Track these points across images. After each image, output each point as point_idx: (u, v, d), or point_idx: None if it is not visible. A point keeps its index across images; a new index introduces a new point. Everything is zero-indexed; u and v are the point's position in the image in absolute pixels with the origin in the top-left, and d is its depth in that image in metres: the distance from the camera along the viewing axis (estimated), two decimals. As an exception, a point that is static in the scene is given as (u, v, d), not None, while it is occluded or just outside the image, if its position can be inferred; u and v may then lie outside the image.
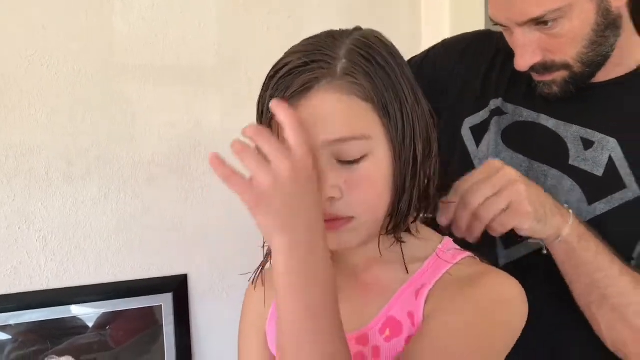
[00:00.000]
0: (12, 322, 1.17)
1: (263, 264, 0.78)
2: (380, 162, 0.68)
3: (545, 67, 0.92)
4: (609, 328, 0.86)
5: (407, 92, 0.69)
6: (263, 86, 0.70)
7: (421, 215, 0.76)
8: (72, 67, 1.20)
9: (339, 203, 0.68)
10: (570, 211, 0.86)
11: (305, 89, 0.66)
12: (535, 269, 0.91)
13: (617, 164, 0.91)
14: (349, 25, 0.74)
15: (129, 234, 1.26)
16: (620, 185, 0.90)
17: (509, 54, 0.96)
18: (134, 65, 1.25)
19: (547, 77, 0.93)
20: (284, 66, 0.68)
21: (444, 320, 0.68)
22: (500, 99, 1.02)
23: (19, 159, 1.17)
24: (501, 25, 0.93)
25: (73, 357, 1.20)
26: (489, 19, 0.95)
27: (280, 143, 0.61)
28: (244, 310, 0.87)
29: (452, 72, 1.09)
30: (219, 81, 1.32)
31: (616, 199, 0.90)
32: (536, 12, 0.86)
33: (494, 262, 0.89)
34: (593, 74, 0.93)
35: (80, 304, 1.22)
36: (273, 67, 0.70)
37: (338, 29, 0.72)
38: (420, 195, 0.72)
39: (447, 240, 0.78)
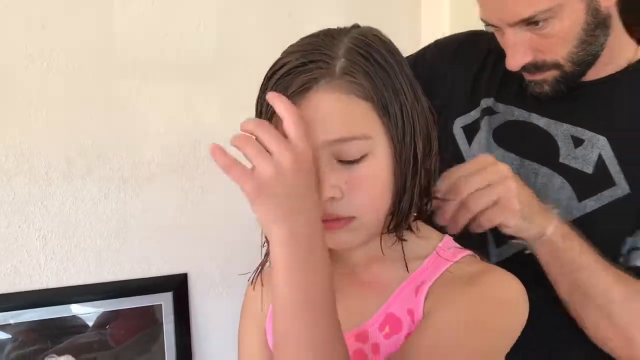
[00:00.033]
0: (12, 321, 1.17)
1: (262, 264, 0.77)
2: (380, 161, 0.68)
3: (536, 67, 0.93)
4: (594, 325, 0.87)
5: (407, 90, 0.69)
6: (261, 86, 0.70)
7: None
8: (71, 66, 1.20)
9: (339, 203, 0.68)
10: (555, 211, 0.87)
11: (304, 89, 0.66)
12: (525, 266, 0.91)
13: (607, 161, 0.92)
14: (349, 23, 0.73)
15: (129, 232, 1.26)
16: (609, 182, 0.91)
17: (500, 54, 0.97)
18: (133, 64, 1.25)
19: (539, 77, 0.94)
20: (282, 66, 0.67)
21: (443, 317, 0.68)
22: (491, 98, 1.04)
23: (19, 158, 1.17)
24: (492, 25, 0.94)
25: (73, 356, 1.20)
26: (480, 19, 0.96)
27: (281, 135, 0.61)
28: (244, 310, 0.86)
29: (444, 72, 1.10)
30: (219, 79, 1.32)
31: (605, 197, 0.91)
32: (527, 13, 0.87)
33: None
34: (583, 73, 0.94)
35: (80, 303, 1.22)
36: (271, 67, 0.69)
37: (336, 27, 0.72)
38: (421, 194, 0.72)
39: (448, 238, 0.78)
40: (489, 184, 0.81)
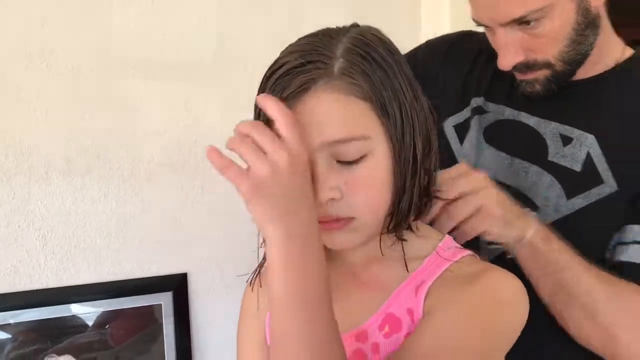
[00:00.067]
0: (11, 321, 1.17)
1: (260, 265, 0.77)
2: (380, 161, 0.68)
3: (527, 66, 0.94)
4: (576, 325, 0.88)
5: (406, 89, 0.69)
6: (260, 87, 0.70)
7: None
8: (71, 65, 1.20)
9: (339, 204, 0.68)
10: (532, 213, 0.89)
11: (303, 90, 0.65)
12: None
13: (595, 159, 0.93)
14: (349, 22, 0.73)
15: (129, 232, 1.26)
16: (597, 180, 0.92)
17: (491, 54, 0.98)
18: (133, 62, 1.25)
19: (530, 76, 0.95)
20: (280, 67, 0.67)
21: (443, 317, 0.68)
22: (482, 97, 1.05)
23: (19, 157, 1.17)
24: (484, 25, 0.95)
25: (73, 356, 1.20)
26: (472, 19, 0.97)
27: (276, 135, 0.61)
28: (243, 311, 0.86)
29: (436, 73, 1.11)
30: (219, 79, 1.32)
31: (593, 194, 0.92)
32: (519, 13, 0.88)
33: None
34: (574, 72, 0.95)
35: (80, 303, 1.22)
36: (270, 68, 0.69)
37: (335, 27, 0.71)
38: (420, 194, 0.72)
39: (447, 238, 0.78)
40: (471, 190, 0.83)
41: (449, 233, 0.81)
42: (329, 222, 0.68)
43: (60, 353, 1.19)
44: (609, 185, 0.92)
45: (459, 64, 1.10)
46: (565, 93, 0.96)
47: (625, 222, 0.91)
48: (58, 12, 1.18)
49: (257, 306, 0.81)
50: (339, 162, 0.67)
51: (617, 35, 0.99)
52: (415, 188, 0.71)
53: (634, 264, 0.89)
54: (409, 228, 0.75)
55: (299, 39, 0.71)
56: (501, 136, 1.01)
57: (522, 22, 0.89)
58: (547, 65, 0.93)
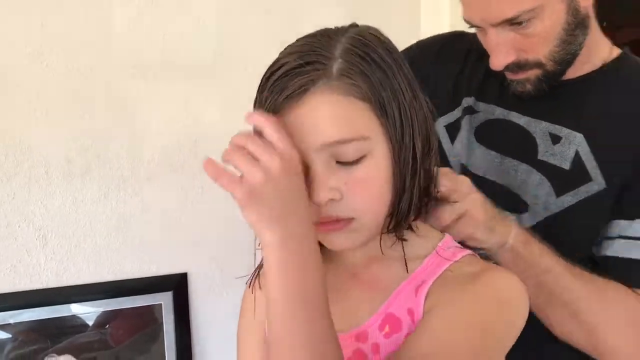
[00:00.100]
0: (11, 320, 1.17)
1: (259, 267, 0.78)
2: (379, 162, 0.68)
3: (519, 66, 0.95)
4: (559, 323, 0.91)
5: (405, 89, 0.69)
6: (258, 88, 0.70)
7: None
8: (71, 65, 1.20)
9: (339, 204, 0.68)
10: (512, 218, 0.90)
11: (302, 91, 0.65)
12: None
13: (584, 157, 0.94)
14: (348, 22, 0.73)
15: (129, 232, 1.26)
16: (586, 178, 0.93)
17: (482, 54, 0.99)
18: (133, 62, 1.25)
19: (521, 76, 0.96)
20: (279, 68, 0.67)
21: (443, 316, 0.68)
22: (472, 97, 1.06)
23: (19, 157, 1.17)
24: (475, 26, 0.95)
25: (73, 355, 1.20)
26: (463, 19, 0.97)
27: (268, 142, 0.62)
28: (242, 312, 0.86)
29: (427, 73, 1.10)
30: (219, 78, 1.32)
31: (582, 192, 0.94)
32: (510, 13, 0.88)
33: None
34: (564, 72, 0.96)
35: (80, 303, 1.22)
36: (268, 69, 0.69)
37: (334, 27, 0.71)
38: (420, 194, 0.72)
39: (448, 238, 0.78)
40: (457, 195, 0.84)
41: None
42: (329, 223, 0.68)
43: (60, 353, 1.19)
44: (597, 182, 0.93)
45: (450, 64, 1.10)
46: (554, 93, 0.97)
47: (611, 217, 0.92)
48: (58, 12, 1.18)
49: (254, 305, 0.81)
50: (338, 162, 0.67)
51: (617, 35, 1.01)
52: (415, 188, 0.70)
53: (619, 258, 0.91)
54: (409, 228, 0.75)
55: (298, 40, 0.70)
56: (492, 135, 1.02)
57: (513, 22, 0.89)
58: (538, 65, 0.94)
